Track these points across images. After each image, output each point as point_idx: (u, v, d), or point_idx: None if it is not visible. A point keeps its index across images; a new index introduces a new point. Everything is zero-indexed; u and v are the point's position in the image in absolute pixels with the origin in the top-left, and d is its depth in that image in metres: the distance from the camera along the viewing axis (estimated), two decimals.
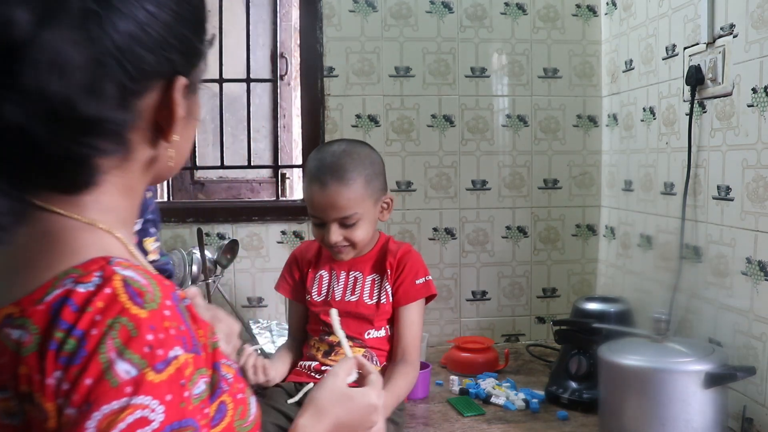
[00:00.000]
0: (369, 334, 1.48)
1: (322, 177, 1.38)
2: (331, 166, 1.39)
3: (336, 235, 1.40)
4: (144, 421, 0.48)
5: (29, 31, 0.49)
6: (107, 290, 0.51)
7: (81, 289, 0.51)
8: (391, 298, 1.49)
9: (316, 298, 1.52)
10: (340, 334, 1.06)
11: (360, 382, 0.92)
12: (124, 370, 0.48)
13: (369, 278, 1.50)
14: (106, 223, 0.58)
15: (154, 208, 1.33)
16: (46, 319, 0.50)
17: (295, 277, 1.56)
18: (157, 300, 0.52)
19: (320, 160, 1.41)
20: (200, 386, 0.54)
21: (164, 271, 1.21)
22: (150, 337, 0.50)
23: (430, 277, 1.51)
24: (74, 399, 0.48)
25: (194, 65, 0.63)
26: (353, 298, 1.49)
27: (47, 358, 0.49)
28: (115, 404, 0.48)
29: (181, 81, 0.60)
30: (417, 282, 1.49)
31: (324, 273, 1.53)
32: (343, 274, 1.51)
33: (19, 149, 0.52)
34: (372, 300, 1.49)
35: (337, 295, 1.50)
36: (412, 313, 1.49)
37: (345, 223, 1.39)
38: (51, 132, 0.51)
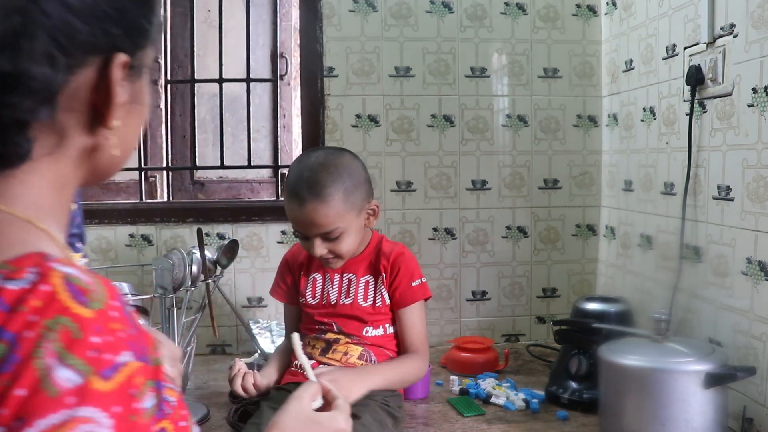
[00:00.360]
0: (367, 332, 1.49)
1: (300, 194, 1.35)
2: (308, 181, 1.35)
3: (320, 248, 1.39)
4: None
5: None
6: (44, 287, 0.45)
7: (12, 286, 0.45)
8: (387, 300, 1.49)
9: (310, 301, 1.52)
10: (303, 360, 1.06)
11: (325, 408, 0.93)
12: (65, 377, 0.42)
13: (363, 279, 1.50)
14: (42, 222, 0.53)
15: (80, 222, 1.29)
16: None
17: (288, 282, 1.57)
18: (103, 299, 0.47)
19: (298, 175, 1.38)
20: (150, 400, 0.48)
21: None
22: (96, 339, 0.44)
23: (424, 279, 1.52)
24: (3, 414, 0.41)
25: (140, 46, 0.58)
26: (348, 301, 1.49)
27: None
28: (54, 418, 0.41)
29: (121, 58, 0.55)
30: (413, 284, 1.49)
31: (317, 276, 1.52)
32: (336, 277, 1.51)
33: None
34: (367, 302, 1.49)
35: (332, 299, 1.50)
36: (414, 315, 1.50)
37: (328, 237, 1.38)
38: None
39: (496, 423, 1.58)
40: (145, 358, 0.48)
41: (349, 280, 1.51)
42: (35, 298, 0.44)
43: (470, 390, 1.76)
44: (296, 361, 1.47)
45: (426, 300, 1.54)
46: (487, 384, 1.79)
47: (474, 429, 1.56)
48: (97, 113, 0.56)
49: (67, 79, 0.52)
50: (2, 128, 0.50)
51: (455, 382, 1.82)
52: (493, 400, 1.70)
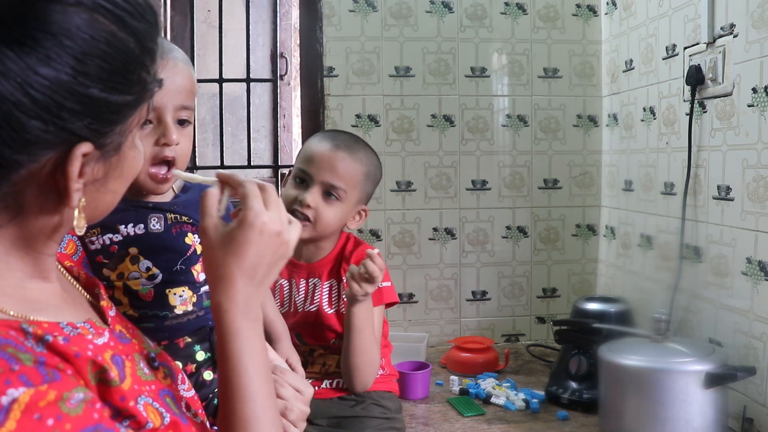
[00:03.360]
0: (334, 341, 1.42)
1: (336, 141, 1.38)
2: (346, 140, 1.40)
3: (314, 197, 1.33)
4: None
5: None
6: None
7: None
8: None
9: (281, 310, 1.41)
10: (190, 175, 0.87)
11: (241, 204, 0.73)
12: None
13: (326, 284, 1.43)
14: None
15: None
16: None
17: None
18: None
19: (338, 133, 1.43)
20: (76, 396, 0.48)
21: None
22: None
23: (388, 283, 1.42)
24: None
25: (116, 122, 0.55)
26: (313, 308, 1.41)
27: None
28: None
29: (82, 149, 0.52)
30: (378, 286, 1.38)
31: (284, 282, 1.44)
32: (302, 282, 1.44)
33: None
34: (331, 309, 1.42)
35: (299, 306, 1.42)
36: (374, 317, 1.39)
37: (329, 191, 1.35)
38: None
39: (496, 423, 1.58)
40: (48, 378, 0.47)
41: (314, 285, 1.43)
42: None
43: (470, 390, 1.76)
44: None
45: (388, 306, 1.45)
46: (487, 384, 1.79)
47: (474, 429, 1.56)
48: (59, 194, 0.54)
49: (18, 173, 0.50)
50: None
51: (455, 382, 1.82)
52: (493, 400, 1.70)
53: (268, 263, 0.69)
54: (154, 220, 0.98)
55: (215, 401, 0.95)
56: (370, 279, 1.26)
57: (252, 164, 2.33)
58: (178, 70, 0.91)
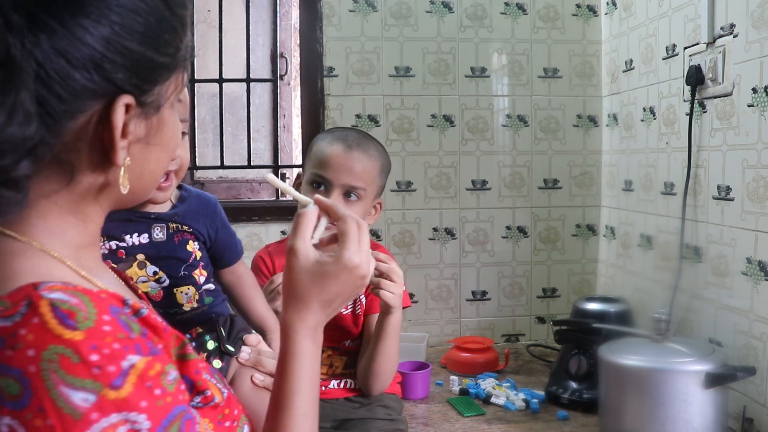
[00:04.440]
0: (346, 343, 1.42)
1: (349, 141, 1.35)
2: (357, 138, 1.37)
3: (337, 202, 1.30)
4: None
5: None
6: (35, 320, 0.47)
7: (8, 323, 0.47)
8: (362, 307, 1.43)
9: None
10: (289, 189, 0.81)
11: (332, 241, 0.76)
12: (81, 399, 0.46)
13: None
14: (52, 246, 0.55)
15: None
16: None
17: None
18: (92, 317, 0.48)
19: (345, 132, 1.39)
20: (171, 374, 0.52)
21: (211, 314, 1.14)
22: (94, 357, 0.47)
23: (404, 288, 1.41)
24: None
25: (153, 82, 0.57)
26: None
27: None
28: None
29: (123, 100, 0.54)
30: None
31: None
32: None
33: None
34: (347, 310, 1.42)
35: None
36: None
37: (349, 192, 1.34)
38: None
39: (496, 423, 1.58)
40: (154, 351, 0.51)
41: None
42: (28, 332, 0.46)
43: (470, 390, 1.76)
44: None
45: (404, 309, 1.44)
46: (487, 384, 1.79)
47: (474, 429, 1.56)
48: (106, 151, 0.56)
49: (67, 125, 0.53)
50: None
51: (455, 382, 1.82)
52: (493, 400, 1.70)
53: (345, 298, 0.74)
54: (157, 229, 1.05)
55: None
56: (390, 278, 1.26)
57: (252, 164, 2.33)
58: None
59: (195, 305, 1.05)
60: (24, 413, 0.45)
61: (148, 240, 1.04)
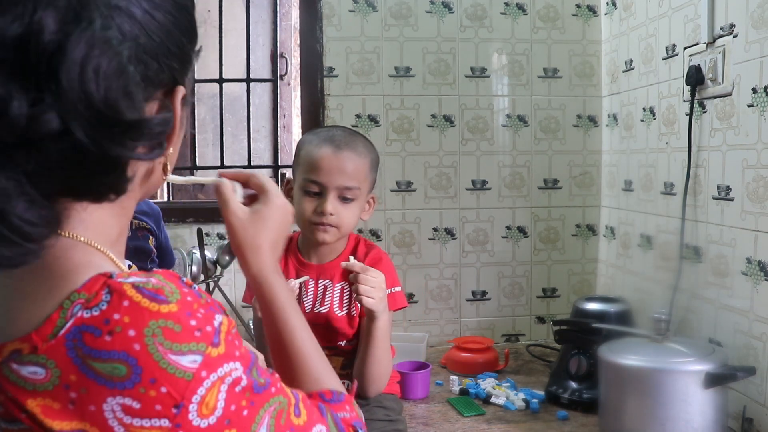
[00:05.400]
0: (342, 343, 1.41)
1: (337, 141, 1.33)
2: (343, 137, 1.36)
3: (333, 204, 1.32)
4: (235, 381, 0.53)
5: (59, 33, 0.47)
6: (125, 303, 0.50)
7: (95, 312, 0.50)
8: (357, 309, 1.41)
9: None
10: (192, 178, 0.89)
11: (250, 195, 0.84)
12: (189, 361, 0.50)
13: (338, 286, 1.41)
14: (96, 241, 0.57)
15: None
16: (63, 353, 0.49)
17: None
18: (176, 291, 0.52)
19: (330, 132, 1.38)
20: (236, 327, 0.57)
21: None
22: (193, 322, 0.51)
23: (399, 288, 1.43)
24: (159, 411, 0.49)
25: (188, 75, 0.61)
26: (323, 309, 1.40)
27: (92, 390, 0.48)
28: (201, 390, 0.50)
29: (181, 91, 0.59)
30: (387, 291, 1.35)
31: (292, 282, 1.40)
32: (312, 283, 1.42)
33: (59, 156, 0.49)
34: (342, 311, 1.41)
35: (307, 306, 1.41)
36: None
37: (344, 196, 1.33)
38: (96, 137, 0.49)
39: (496, 423, 1.58)
40: (223, 311, 0.56)
41: (325, 287, 1.41)
42: (123, 315, 0.50)
43: (470, 390, 1.77)
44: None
45: (398, 310, 1.44)
46: (487, 384, 1.80)
47: (474, 429, 1.56)
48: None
49: (147, 110, 0.56)
50: (116, 167, 0.53)
51: (455, 382, 1.82)
52: (493, 400, 1.70)
53: (282, 237, 0.82)
54: None
55: None
56: (370, 285, 1.25)
57: (252, 164, 2.33)
58: None
59: None
60: (136, 389, 0.48)
61: None
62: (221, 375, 0.52)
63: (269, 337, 0.80)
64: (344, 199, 1.34)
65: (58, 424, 0.48)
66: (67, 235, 0.55)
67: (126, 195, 0.59)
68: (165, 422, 0.49)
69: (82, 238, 0.56)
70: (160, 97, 0.57)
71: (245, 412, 0.53)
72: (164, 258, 1.26)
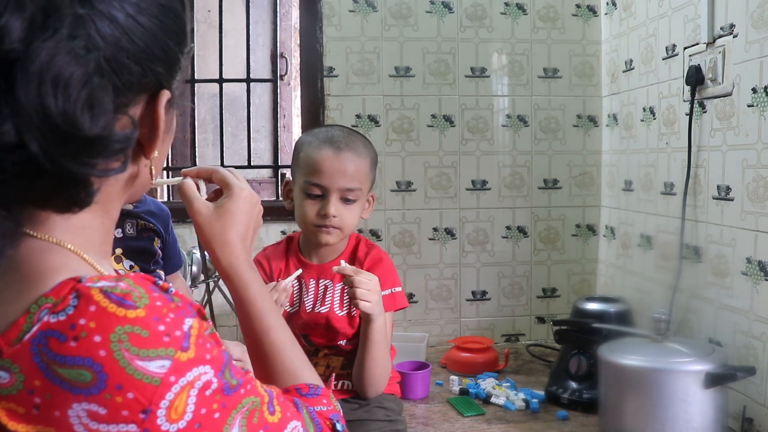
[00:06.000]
0: (342, 342, 1.41)
1: (337, 142, 1.32)
2: (343, 137, 1.35)
3: (336, 206, 1.32)
4: (205, 385, 0.52)
5: (22, 41, 0.46)
6: (91, 308, 0.49)
7: (61, 317, 0.49)
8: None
9: (287, 309, 1.39)
10: (160, 180, 0.82)
11: (214, 191, 0.84)
12: (157, 366, 0.49)
13: (338, 286, 1.41)
14: (73, 244, 0.56)
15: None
16: (28, 357, 0.48)
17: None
18: (144, 295, 0.51)
19: (329, 132, 1.36)
20: (207, 328, 0.56)
21: None
22: (162, 327, 0.50)
23: (399, 288, 1.42)
24: (126, 416, 0.48)
25: (175, 78, 0.60)
26: (324, 309, 1.40)
27: (57, 395, 0.47)
28: (169, 395, 0.49)
29: (166, 95, 0.58)
30: (386, 293, 1.38)
31: (294, 282, 1.38)
32: (312, 283, 1.41)
33: (14, 168, 0.48)
34: (342, 311, 1.40)
35: (308, 306, 1.40)
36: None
37: (346, 197, 1.33)
38: (52, 152, 0.48)
39: (496, 423, 1.58)
40: (195, 314, 0.55)
41: (326, 287, 1.41)
42: (89, 320, 0.49)
43: (470, 390, 1.77)
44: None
45: (398, 310, 1.44)
46: (487, 384, 1.80)
47: (474, 429, 1.56)
48: (140, 145, 0.58)
49: (120, 118, 0.54)
50: (78, 182, 0.52)
51: (455, 382, 1.82)
52: (493, 400, 1.70)
53: (253, 229, 0.82)
54: (129, 225, 1.12)
55: None
56: (365, 288, 1.25)
57: (252, 164, 2.33)
58: None
59: None
60: (102, 395, 0.48)
61: (121, 234, 1.09)
62: (191, 379, 0.51)
63: (244, 333, 0.80)
64: (346, 201, 1.34)
65: (24, 427, 0.48)
66: (42, 237, 0.54)
67: (110, 198, 0.59)
68: (132, 427, 0.48)
69: (57, 241, 0.55)
70: (143, 101, 0.56)
71: (216, 415, 0.53)
72: (172, 259, 1.26)
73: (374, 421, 1.35)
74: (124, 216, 1.09)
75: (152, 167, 0.62)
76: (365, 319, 1.30)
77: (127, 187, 0.61)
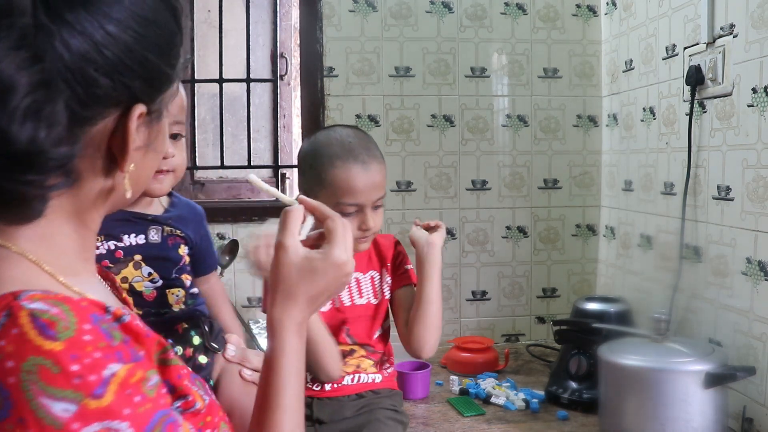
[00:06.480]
0: (376, 333, 1.42)
1: (361, 156, 1.27)
2: (361, 145, 1.30)
3: (373, 219, 1.30)
4: None
5: None
6: (14, 330, 0.46)
7: None
8: (387, 294, 1.44)
9: (322, 309, 1.39)
10: (272, 189, 0.86)
11: (318, 241, 0.77)
12: (61, 409, 0.45)
13: (367, 276, 1.43)
14: (36, 254, 0.54)
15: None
16: None
17: None
18: (73, 327, 0.48)
19: (346, 142, 1.30)
20: (152, 379, 0.52)
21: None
22: (75, 367, 0.46)
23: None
24: None
25: (160, 91, 0.58)
26: (362, 301, 1.41)
27: None
28: None
29: (139, 109, 0.55)
30: (408, 267, 1.45)
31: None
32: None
33: None
34: (377, 298, 1.43)
35: (345, 300, 1.40)
36: (409, 294, 1.45)
37: (377, 205, 1.31)
38: None
39: (496, 423, 1.58)
40: (136, 358, 0.51)
41: (357, 280, 1.42)
42: (8, 343, 0.46)
43: (470, 390, 1.77)
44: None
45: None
46: (487, 384, 1.80)
47: (474, 429, 1.56)
48: (114, 158, 0.57)
49: (85, 131, 0.53)
50: (18, 198, 0.51)
51: (455, 382, 1.82)
52: (493, 400, 1.70)
53: (330, 294, 0.75)
54: (153, 231, 1.10)
55: (211, 382, 1.07)
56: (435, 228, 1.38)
57: (252, 164, 2.33)
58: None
59: (183, 306, 1.10)
60: (4, 425, 0.45)
61: (144, 241, 1.08)
62: (97, 431, 0.46)
63: (257, 392, 0.74)
64: (376, 207, 1.32)
65: None
66: (5, 245, 0.53)
67: (82, 208, 0.58)
68: None
69: (20, 250, 0.53)
70: (116, 115, 0.54)
71: None
72: (204, 261, 1.23)
73: (381, 409, 1.35)
74: (149, 222, 1.09)
75: (126, 181, 0.58)
76: (425, 271, 1.38)
77: (104, 198, 0.59)
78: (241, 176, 2.51)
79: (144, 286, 1.06)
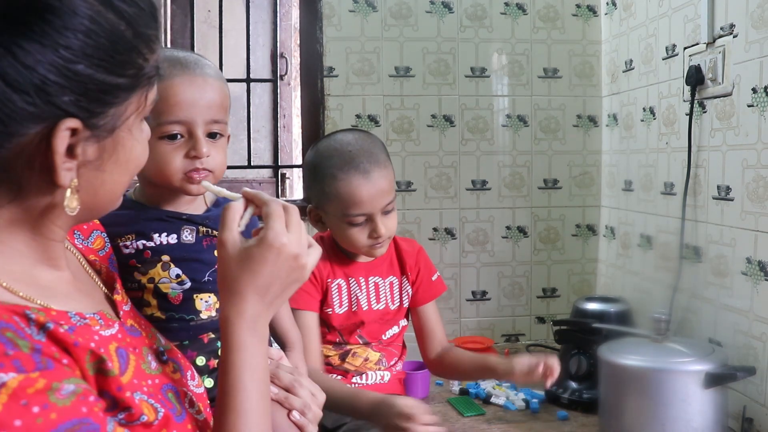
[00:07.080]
0: (386, 334, 1.43)
1: (362, 166, 1.26)
2: (363, 152, 1.29)
3: (385, 225, 1.29)
4: None
5: None
6: None
7: None
8: (409, 299, 1.45)
9: (338, 310, 1.39)
10: (221, 190, 0.85)
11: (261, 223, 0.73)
12: None
13: (387, 281, 1.43)
14: None
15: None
16: None
17: (318, 289, 1.38)
18: None
19: (345, 151, 1.29)
20: (66, 388, 0.50)
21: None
22: None
23: (436, 275, 1.49)
24: None
25: (108, 103, 0.56)
26: (380, 306, 1.41)
27: None
28: None
29: (66, 124, 0.53)
30: (433, 279, 1.47)
31: (341, 282, 1.39)
32: (362, 281, 1.40)
33: None
34: (395, 304, 1.43)
35: (363, 305, 1.40)
36: (436, 309, 1.48)
37: (387, 210, 1.30)
38: None
39: (496, 423, 1.58)
40: (41, 366, 0.49)
41: (376, 284, 1.42)
42: None
43: (470, 390, 1.77)
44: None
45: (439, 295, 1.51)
46: (487, 384, 1.79)
47: (474, 429, 1.56)
48: (48, 173, 0.55)
49: (12, 145, 0.52)
50: None
51: (455, 382, 1.82)
52: (493, 400, 1.70)
53: (282, 284, 0.70)
54: (187, 231, 1.04)
55: None
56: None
57: (252, 164, 2.33)
58: (209, 84, 0.98)
59: (213, 314, 1.02)
60: None
61: (176, 241, 1.02)
62: None
63: (217, 394, 0.70)
64: (387, 212, 1.32)
65: None
66: None
67: (39, 220, 0.58)
68: None
69: None
70: (39, 129, 0.53)
71: None
72: None
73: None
74: (183, 221, 1.03)
75: (70, 196, 0.57)
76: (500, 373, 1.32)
77: (54, 212, 0.58)
78: (240, 176, 2.52)
79: (170, 288, 0.99)
